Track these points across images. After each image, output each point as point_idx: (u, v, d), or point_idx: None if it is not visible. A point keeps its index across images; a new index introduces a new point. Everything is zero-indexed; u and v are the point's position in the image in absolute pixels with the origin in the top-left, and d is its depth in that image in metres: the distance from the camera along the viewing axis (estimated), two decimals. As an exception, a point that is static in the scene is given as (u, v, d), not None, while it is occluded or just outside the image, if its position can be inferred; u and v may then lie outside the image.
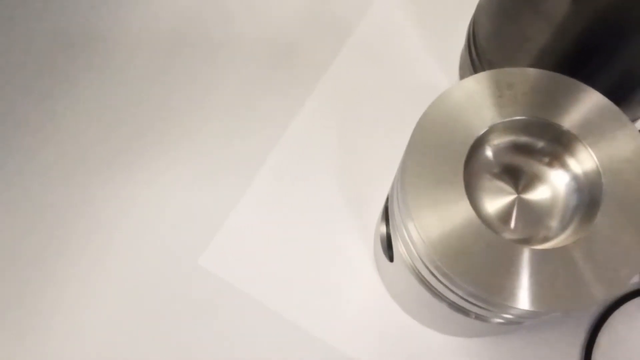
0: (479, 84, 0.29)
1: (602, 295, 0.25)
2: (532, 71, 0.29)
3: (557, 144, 0.28)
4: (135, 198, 0.42)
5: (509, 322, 0.31)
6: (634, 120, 0.38)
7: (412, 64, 0.46)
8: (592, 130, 0.27)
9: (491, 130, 0.28)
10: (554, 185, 0.28)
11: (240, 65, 0.46)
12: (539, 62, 0.34)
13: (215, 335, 0.38)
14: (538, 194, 0.29)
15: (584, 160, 0.27)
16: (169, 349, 0.38)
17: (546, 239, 0.28)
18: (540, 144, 0.28)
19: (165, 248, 0.41)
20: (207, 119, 0.44)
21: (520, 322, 0.31)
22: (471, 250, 0.25)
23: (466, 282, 0.25)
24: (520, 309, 0.25)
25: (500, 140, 0.28)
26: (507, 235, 0.28)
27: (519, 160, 0.29)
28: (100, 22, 0.47)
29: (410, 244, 0.28)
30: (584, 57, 0.33)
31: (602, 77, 0.34)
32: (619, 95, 0.35)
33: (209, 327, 0.39)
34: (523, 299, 0.25)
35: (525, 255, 0.25)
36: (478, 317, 0.31)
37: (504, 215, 0.28)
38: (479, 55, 0.39)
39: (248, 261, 0.40)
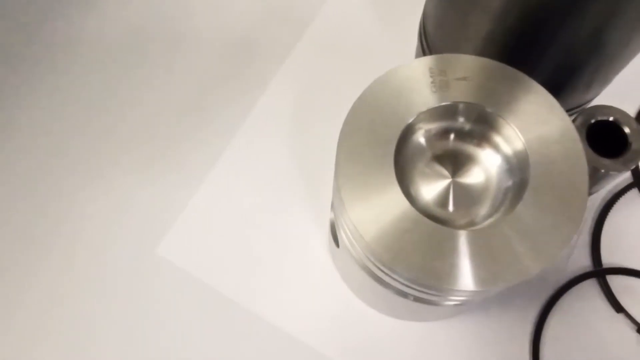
0: (412, 71, 0.29)
1: (536, 269, 0.25)
2: (466, 57, 0.30)
3: (487, 128, 0.29)
4: (93, 190, 0.43)
5: (456, 304, 0.31)
6: (581, 105, 0.39)
7: (368, 56, 0.46)
8: (521, 114, 0.28)
9: (422, 116, 0.28)
10: (486, 167, 0.29)
11: (198, 59, 0.47)
12: (482, 52, 0.35)
13: (174, 324, 0.39)
14: (472, 177, 0.29)
15: (513, 143, 0.28)
16: (127, 338, 0.39)
17: (484, 219, 0.28)
18: (471, 128, 0.29)
19: (124, 239, 0.41)
20: (165, 111, 0.45)
21: (466, 302, 0.31)
22: (405, 236, 0.26)
23: (403, 269, 0.25)
24: (462, 290, 0.26)
25: (432, 125, 0.29)
26: (447, 218, 0.29)
27: (452, 144, 0.30)
28: (58, 21, 0.48)
29: (348, 231, 0.29)
30: (523, 46, 0.33)
31: (543, 65, 0.34)
32: (562, 81, 0.36)
33: (167, 316, 0.39)
34: (463, 280, 0.25)
35: (460, 237, 0.26)
36: (422, 301, 0.31)
37: (442, 200, 0.29)
38: (429, 46, 0.40)
39: (206, 250, 0.41)
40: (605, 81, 0.37)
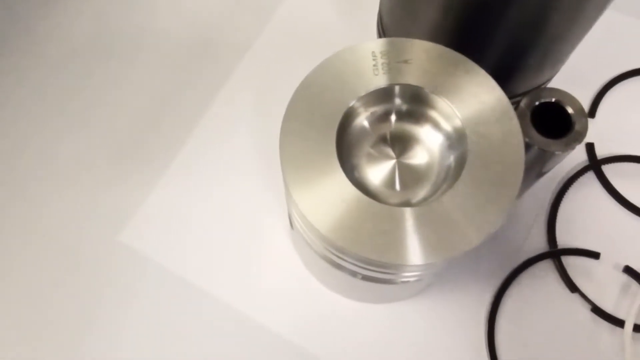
0: (355, 54, 0.30)
1: (476, 240, 0.26)
2: (408, 41, 0.30)
3: (427, 108, 0.29)
4: (52, 178, 0.43)
5: (409, 281, 0.32)
6: (537, 87, 0.39)
7: (330, 45, 0.47)
8: (460, 94, 0.29)
9: (362, 99, 0.29)
10: (429, 146, 0.30)
11: (161, 51, 0.47)
12: (432, 38, 0.36)
13: (135, 311, 0.40)
14: (416, 156, 0.30)
15: (452, 121, 0.29)
16: (89, 326, 0.39)
17: (429, 195, 0.29)
18: (412, 108, 0.30)
19: (86, 227, 0.42)
20: (131, 96, 0.45)
21: (419, 279, 0.32)
22: (350, 217, 0.26)
23: (351, 249, 0.26)
24: (410, 265, 0.26)
25: (374, 108, 0.30)
26: (394, 197, 0.29)
27: (395, 126, 0.30)
28: (21, 19, 0.48)
29: (296, 214, 0.29)
30: (470, 31, 0.34)
31: (492, 48, 0.35)
32: (512, 64, 0.36)
33: (129, 303, 0.40)
34: (409, 255, 0.26)
35: (404, 214, 0.26)
36: (376, 280, 0.32)
37: (388, 180, 0.30)
38: (385, 33, 0.41)
39: (168, 237, 0.41)
40: (556, 63, 0.38)
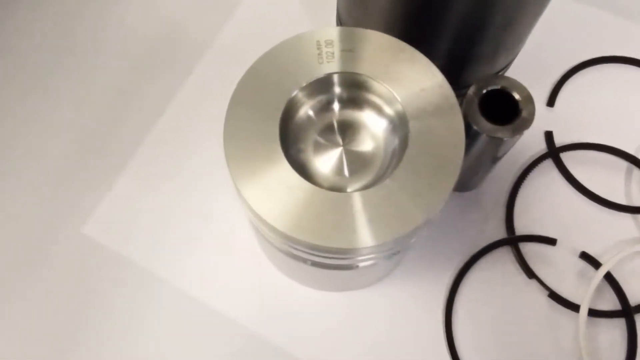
0: (300, 43, 0.30)
1: (421, 219, 0.27)
2: (353, 30, 0.31)
3: (371, 95, 0.30)
4: (14, 172, 0.43)
5: (364, 265, 0.32)
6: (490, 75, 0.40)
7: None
8: (402, 81, 0.29)
9: (305, 88, 0.29)
10: (374, 132, 0.30)
11: (124, 45, 0.48)
12: (384, 28, 0.36)
13: (99, 302, 0.40)
14: (363, 142, 0.30)
15: (394, 107, 0.29)
16: (51, 319, 0.40)
17: (375, 180, 0.29)
18: (355, 96, 0.30)
19: (49, 220, 0.42)
20: (93, 91, 0.46)
21: (374, 263, 0.32)
22: (297, 206, 0.27)
23: (299, 237, 0.26)
24: (359, 248, 0.27)
25: (318, 97, 0.30)
26: (343, 184, 0.30)
27: (340, 114, 0.31)
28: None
29: (246, 207, 0.30)
30: (419, 20, 0.35)
31: (442, 37, 0.36)
32: (464, 52, 0.37)
33: (92, 294, 0.40)
34: (355, 239, 0.26)
35: (351, 199, 0.27)
36: (330, 267, 0.32)
37: (336, 167, 0.30)
38: (342, 24, 0.41)
39: (131, 229, 0.42)
40: (510, 51, 0.38)
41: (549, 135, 0.44)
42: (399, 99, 0.29)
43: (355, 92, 0.30)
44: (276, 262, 0.39)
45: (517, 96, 0.34)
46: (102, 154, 0.44)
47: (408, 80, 0.29)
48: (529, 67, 0.46)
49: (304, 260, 0.33)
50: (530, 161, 0.43)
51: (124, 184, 0.43)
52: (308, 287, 0.40)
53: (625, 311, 0.39)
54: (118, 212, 0.42)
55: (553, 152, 0.43)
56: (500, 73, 0.41)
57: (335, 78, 0.29)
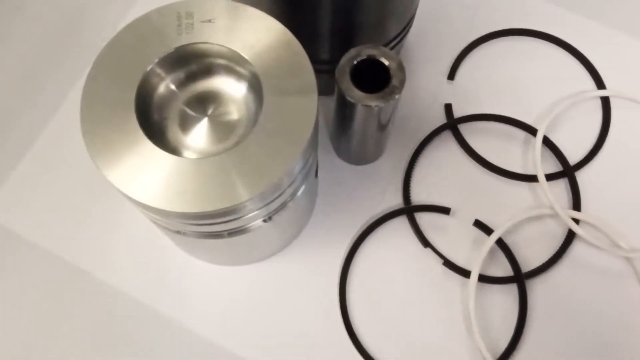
0: (161, 16, 0.31)
1: (281, 172, 0.28)
2: (213, 1, 0.31)
3: (230, 63, 0.30)
4: None
5: (231, 231, 0.33)
6: (389, 42, 0.40)
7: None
8: (258, 49, 0.30)
9: (165, 59, 0.30)
10: (235, 99, 0.31)
11: (30, 28, 0.48)
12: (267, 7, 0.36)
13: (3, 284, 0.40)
14: (226, 110, 0.31)
15: (252, 76, 0.30)
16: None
17: (237, 144, 0.30)
18: (216, 65, 0.31)
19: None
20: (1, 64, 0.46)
21: (248, 224, 0.33)
22: (161, 178, 0.27)
23: (159, 206, 0.27)
24: (227, 207, 0.27)
25: (177, 69, 0.31)
26: (208, 152, 0.30)
27: (202, 84, 0.31)
28: None
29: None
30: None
31: (322, 6, 0.36)
32: (350, 20, 0.37)
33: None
34: (225, 199, 0.27)
35: (214, 164, 0.28)
36: (200, 235, 0.33)
37: (202, 137, 0.31)
38: None
39: (34, 211, 0.42)
40: (398, 19, 0.39)
41: (448, 108, 0.45)
42: (254, 65, 0.29)
43: (217, 61, 0.31)
44: (169, 236, 0.40)
45: (387, 64, 0.34)
46: (5, 138, 0.44)
47: (266, 49, 0.30)
48: (430, 42, 0.47)
49: (180, 232, 0.33)
50: (429, 131, 0.44)
51: (27, 165, 0.43)
52: (202, 260, 0.41)
53: (517, 277, 0.40)
54: (19, 195, 0.42)
55: (452, 123, 0.44)
56: (395, 47, 0.42)
57: (197, 48, 0.30)
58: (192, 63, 0.31)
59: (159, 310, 0.40)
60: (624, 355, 0.39)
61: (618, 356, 0.39)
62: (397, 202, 0.42)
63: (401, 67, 0.34)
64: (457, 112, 0.45)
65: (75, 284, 0.40)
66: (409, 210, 0.42)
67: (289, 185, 0.31)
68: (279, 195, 0.31)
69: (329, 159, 0.43)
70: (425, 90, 0.45)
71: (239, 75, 0.31)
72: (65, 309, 0.40)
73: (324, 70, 0.38)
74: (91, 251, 0.41)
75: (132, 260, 0.41)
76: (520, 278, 0.40)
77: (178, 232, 0.33)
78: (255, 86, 0.30)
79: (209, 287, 0.40)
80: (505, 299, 0.40)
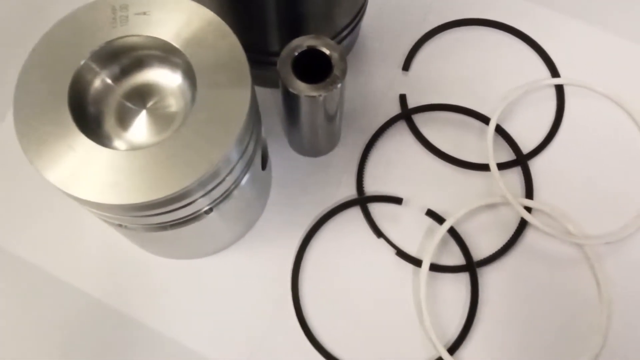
0: (96, 10, 0.31)
1: (216, 159, 0.28)
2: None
3: (166, 54, 0.30)
4: None
5: (172, 222, 0.33)
6: (343, 29, 0.40)
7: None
8: (193, 41, 0.30)
9: (99, 53, 0.30)
10: (172, 91, 0.31)
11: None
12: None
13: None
14: (163, 102, 0.31)
15: (187, 67, 0.30)
16: None
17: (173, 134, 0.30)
18: (151, 57, 0.31)
19: None
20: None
21: (198, 214, 0.33)
22: (95, 171, 0.28)
23: (91, 198, 0.27)
24: (166, 197, 0.27)
25: (114, 61, 0.31)
26: (145, 144, 0.30)
27: (139, 77, 0.31)
28: None
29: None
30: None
31: (265, 2, 0.36)
32: (300, 12, 0.37)
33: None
34: (163, 188, 0.27)
35: (149, 154, 0.28)
36: (146, 228, 0.33)
37: (141, 129, 0.31)
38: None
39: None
40: (348, 10, 0.39)
41: (402, 98, 0.45)
42: (187, 56, 0.29)
43: (146, 53, 0.31)
44: (118, 231, 0.40)
45: (328, 53, 0.34)
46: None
47: (200, 41, 0.30)
48: (385, 32, 0.47)
49: (122, 225, 0.33)
50: (383, 122, 0.44)
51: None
52: (155, 254, 0.41)
53: (469, 265, 0.41)
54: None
55: (406, 114, 0.44)
56: (348, 37, 0.42)
57: (130, 41, 0.30)
58: (124, 56, 0.31)
59: (111, 305, 0.40)
60: (576, 341, 0.39)
61: (570, 342, 0.39)
62: (351, 193, 0.43)
63: (343, 57, 0.34)
64: (412, 103, 0.45)
65: (27, 279, 0.40)
66: (362, 200, 0.42)
67: (229, 174, 0.31)
68: (218, 184, 0.31)
69: (283, 152, 0.44)
70: (380, 81, 0.45)
71: (173, 66, 0.31)
72: (27, 308, 0.40)
73: (275, 62, 0.38)
74: (42, 246, 0.41)
75: (85, 256, 0.41)
76: (472, 266, 0.40)
77: (120, 226, 0.33)
78: (190, 77, 0.30)
79: (163, 281, 0.40)
80: (457, 287, 0.41)
